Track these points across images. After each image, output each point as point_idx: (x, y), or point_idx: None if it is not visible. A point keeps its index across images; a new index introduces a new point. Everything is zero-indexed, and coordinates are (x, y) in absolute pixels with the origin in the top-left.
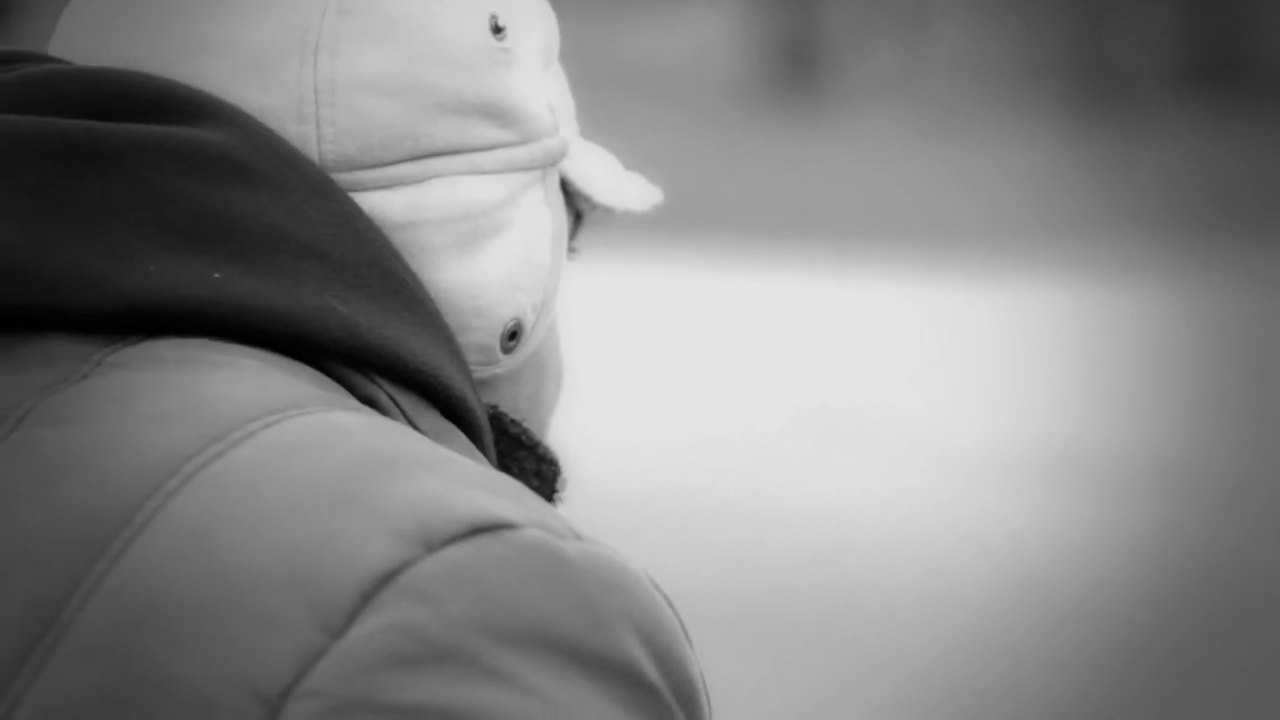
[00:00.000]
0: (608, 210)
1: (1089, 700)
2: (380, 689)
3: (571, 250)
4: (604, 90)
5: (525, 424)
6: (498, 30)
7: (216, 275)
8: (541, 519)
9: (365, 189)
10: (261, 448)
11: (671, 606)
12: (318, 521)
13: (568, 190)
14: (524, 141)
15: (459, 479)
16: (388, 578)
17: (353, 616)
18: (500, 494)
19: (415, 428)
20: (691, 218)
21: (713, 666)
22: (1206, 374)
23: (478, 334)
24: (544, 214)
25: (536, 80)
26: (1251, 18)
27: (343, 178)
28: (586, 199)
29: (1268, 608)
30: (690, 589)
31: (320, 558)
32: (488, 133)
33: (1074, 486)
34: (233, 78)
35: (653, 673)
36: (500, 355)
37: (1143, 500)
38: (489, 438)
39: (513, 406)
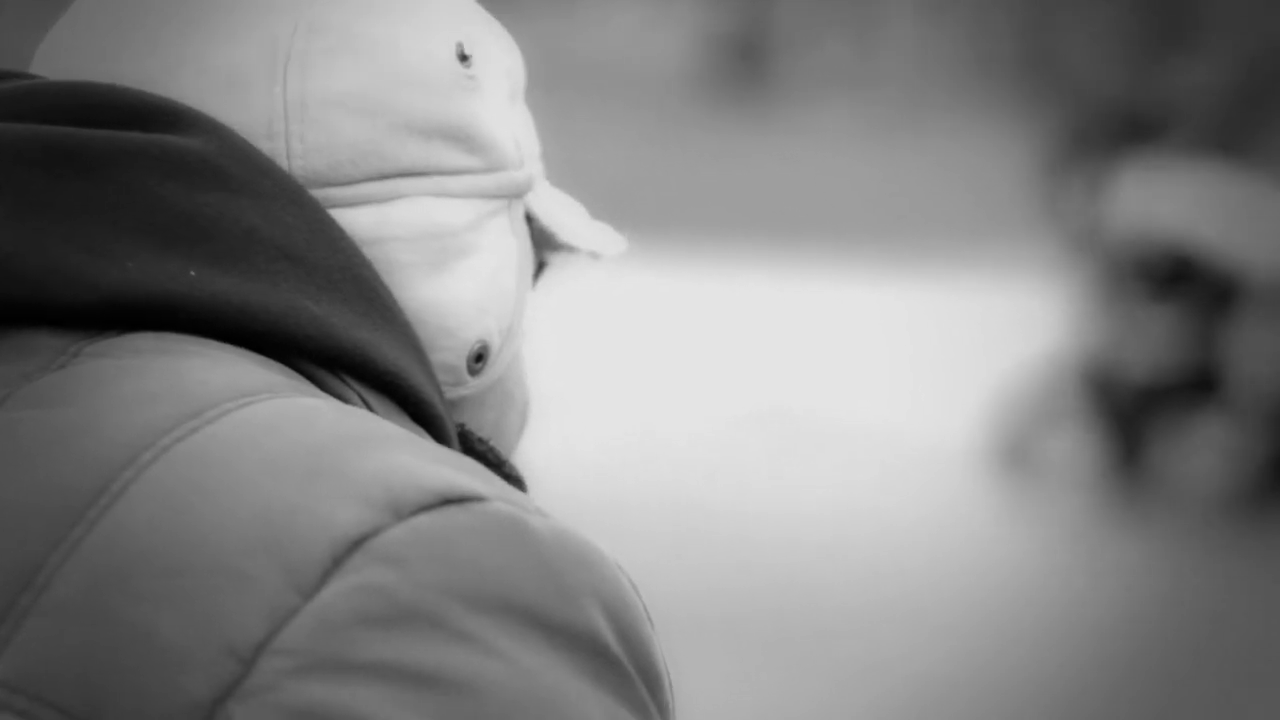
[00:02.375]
0: (571, 251)
1: (1063, 690)
2: (350, 646)
3: (537, 273)
4: (552, 87)
5: (491, 443)
6: (464, 58)
7: (193, 273)
8: (509, 495)
9: (334, 205)
10: (237, 424)
11: (635, 589)
12: (291, 490)
13: (532, 228)
14: (489, 170)
15: (429, 456)
16: (358, 542)
17: (324, 578)
18: (469, 472)
19: None
20: (641, 215)
21: (675, 664)
22: None
23: (445, 353)
24: (509, 243)
25: (502, 112)
26: (1201, 15)
27: (312, 193)
28: (550, 238)
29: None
30: (652, 587)
31: (293, 523)
32: (454, 157)
33: (1032, 483)
34: (206, 95)
35: (616, 647)
36: (467, 376)
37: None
38: (456, 445)
39: (477, 429)
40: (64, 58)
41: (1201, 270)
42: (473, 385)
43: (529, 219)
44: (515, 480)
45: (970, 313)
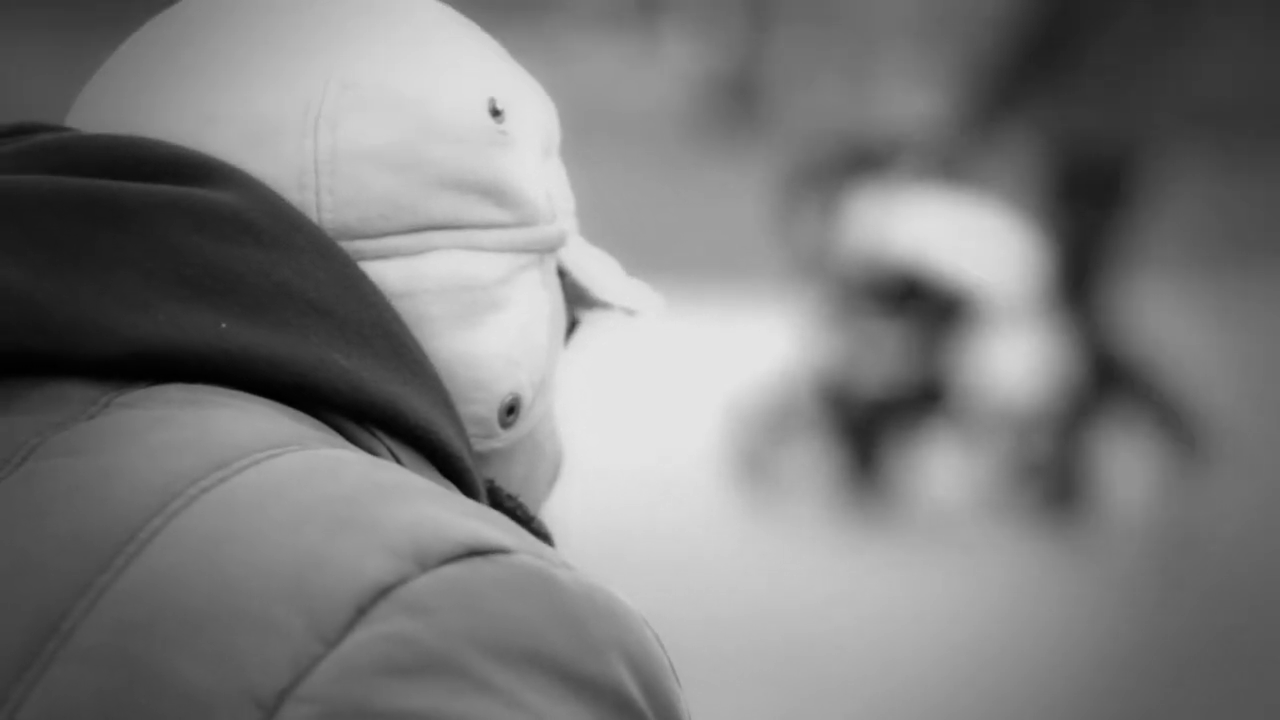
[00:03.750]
0: (605, 308)
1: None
2: (374, 695)
3: (568, 338)
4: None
5: (520, 498)
6: (496, 113)
7: (224, 325)
8: (535, 548)
9: (364, 258)
10: (265, 474)
11: (660, 644)
12: (317, 539)
13: (565, 283)
14: (521, 224)
15: (456, 508)
16: (383, 591)
17: (349, 627)
18: (496, 525)
19: None
20: (637, 254)
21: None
22: None
23: (476, 406)
24: (541, 297)
25: (535, 167)
26: (1189, 47)
27: (342, 246)
28: (583, 293)
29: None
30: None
31: (319, 572)
32: (486, 211)
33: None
34: (237, 148)
35: (641, 701)
36: (498, 429)
37: None
38: (485, 502)
39: (506, 484)
40: (97, 111)
41: (928, 289)
42: (504, 438)
43: (561, 274)
44: (543, 536)
45: None
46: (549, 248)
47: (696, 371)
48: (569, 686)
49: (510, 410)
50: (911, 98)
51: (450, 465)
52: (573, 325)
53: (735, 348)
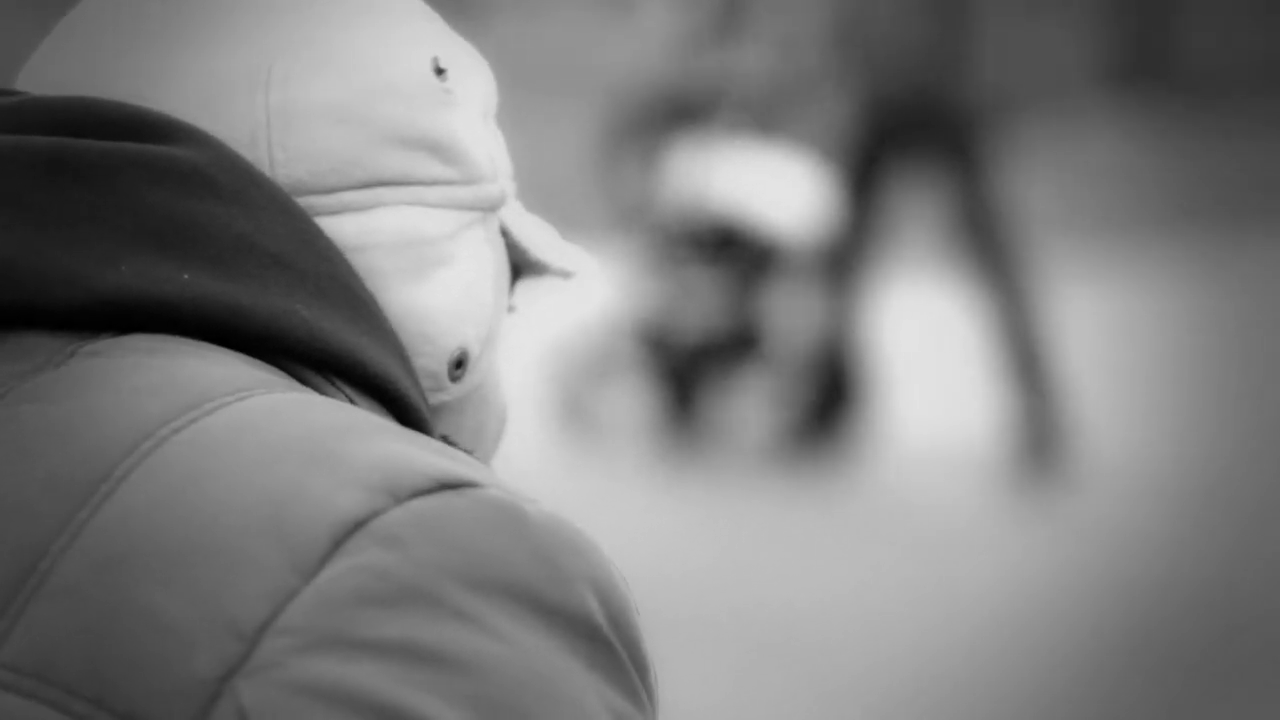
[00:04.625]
0: (543, 268)
1: (1065, 701)
2: (351, 625)
3: (510, 307)
4: (562, 99)
5: (474, 453)
6: (440, 72)
7: (187, 276)
8: (503, 484)
9: (317, 213)
10: (235, 414)
11: (623, 578)
12: (291, 475)
13: (506, 243)
14: (467, 182)
15: (426, 445)
16: (358, 524)
17: (324, 559)
18: (464, 462)
19: None
20: (603, 223)
21: (682, 676)
22: (1133, 369)
23: (426, 359)
24: (486, 254)
25: (477, 128)
26: (1175, 18)
27: (295, 200)
28: (523, 253)
29: (1260, 611)
30: (654, 593)
31: (293, 507)
32: (432, 168)
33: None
34: (190, 106)
35: (609, 631)
36: (448, 382)
37: (1105, 496)
38: None
39: (457, 437)
40: (52, 73)
41: (744, 239)
42: (453, 391)
43: (503, 233)
44: None
45: (948, 318)
46: (492, 205)
47: (521, 316)
48: (540, 615)
49: (458, 364)
50: (728, 53)
51: (409, 416)
52: (515, 274)
53: (558, 294)
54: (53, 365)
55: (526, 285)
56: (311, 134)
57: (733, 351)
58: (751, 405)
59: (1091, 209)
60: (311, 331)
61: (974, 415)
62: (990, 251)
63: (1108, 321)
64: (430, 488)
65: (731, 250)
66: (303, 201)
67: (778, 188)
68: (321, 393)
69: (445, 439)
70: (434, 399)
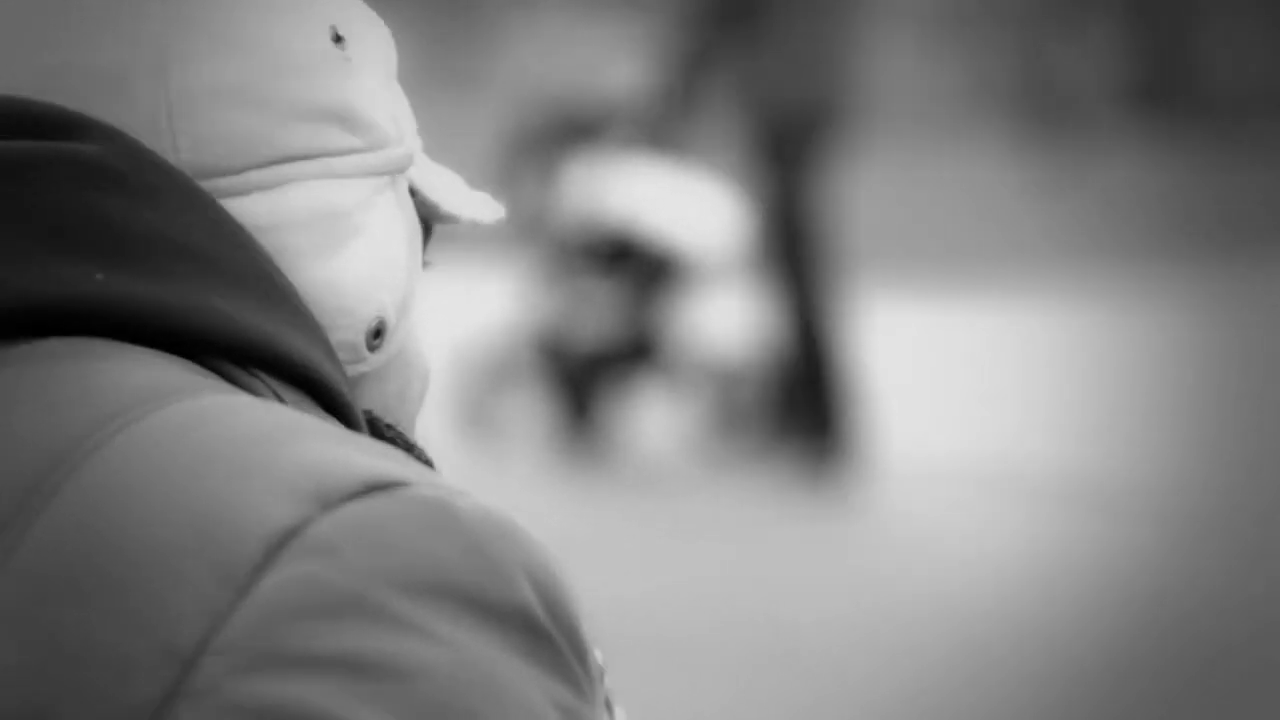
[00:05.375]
0: (454, 220)
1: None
2: (289, 640)
3: (425, 263)
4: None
5: (398, 426)
6: (338, 39)
7: (100, 275)
8: (431, 478)
9: (225, 195)
10: (157, 424)
11: (558, 562)
12: (217, 486)
13: (416, 200)
14: (373, 148)
15: (350, 444)
16: (289, 535)
17: (257, 573)
18: (390, 458)
19: None
20: None
21: (688, 686)
22: (1157, 392)
23: (344, 332)
24: (398, 218)
25: (379, 91)
26: (1193, 40)
27: (203, 185)
28: (434, 208)
29: (1245, 628)
30: (662, 605)
31: (223, 521)
32: (339, 138)
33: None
34: (86, 98)
35: (546, 620)
36: (366, 353)
37: (1106, 517)
38: (366, 433)
39: (382, 404)
40: None
41: (639, 250)
42: (373, 361)
43: (412, 193)
44: (425, 462)
45: (966, 336)
46: (400, 168)
47: (422, 325)
48: (477, 614)
49: (377, 334)
50: (619, 68)
51: (332, 401)
52: (426, 236)
53: (459, 303)
54: None
55: (439, 239)
56: (214, 117)
57: (628, 361)
58: (646, 414)
59: (1109, 230)
60: (230, 324)
61: (949, 432)
62: (801, 260)
63: (1120, 341)
64: (359, 490)
65: (626, 262)
66: (210, 185)
67: (672, 199)
68: (243, 386)
69: (368, 415)
70: (354, 370)
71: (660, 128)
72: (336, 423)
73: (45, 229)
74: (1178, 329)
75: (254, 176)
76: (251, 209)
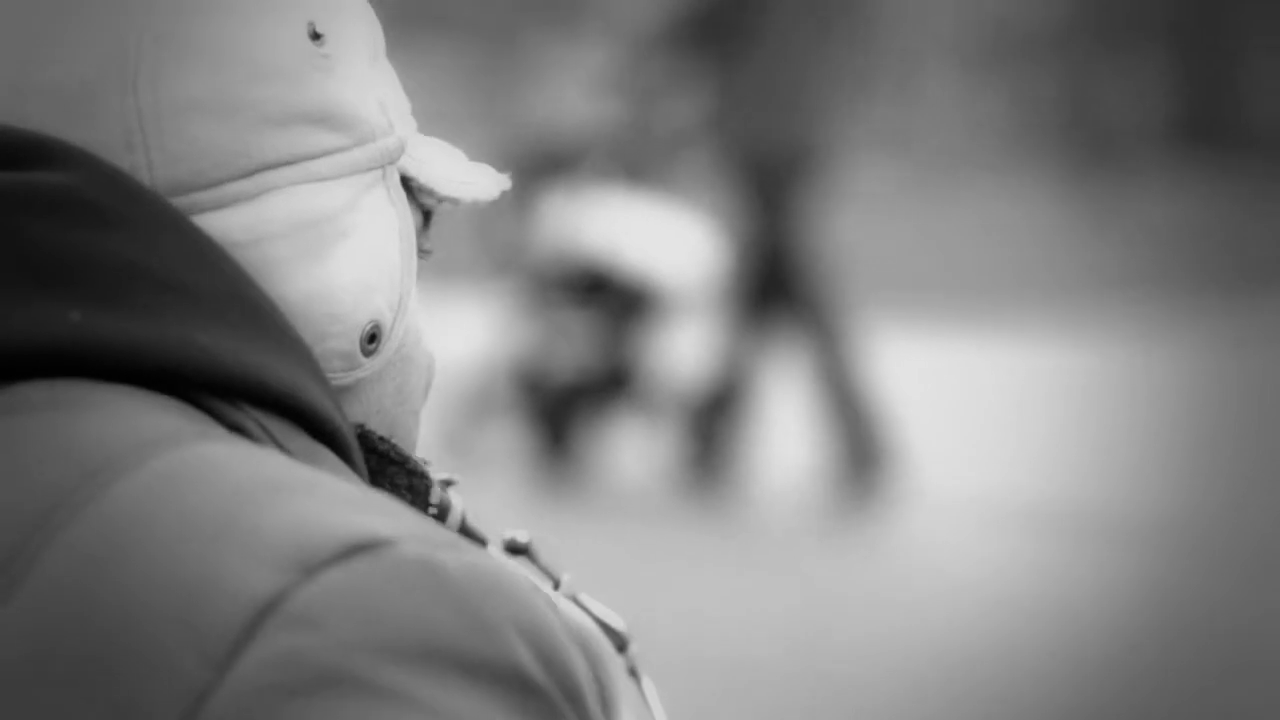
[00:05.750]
0: (455, 202)
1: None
2: (272, 719)
3: (424, 251)
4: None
5: (397, 427)
6: (316, 37)
7: (74, 315)
8: (418, 532)
9: (203, 210)
10: (137, 485)
11: (552, 606)
12: (197, 555)
13: (411, 187)
14: (359, 144)
15: (333, 499)
16: (269, 607)
17: (237, 649)
18: (375, 511)
19: (285, 451)
20: None
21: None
22: (1193, 428)
23: (336, 340)
24: (389, 212)
25: (364, 81)
26: (1238, 74)
27: (179, 201)
28: (431, 193)
29: (1258, 662)
30: (689, 636)
31: (202, 594)
32: (320, 139)
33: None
34: (54, 118)
35: (539, 674)
36: (362, 359)
37: (1134, 553)
38: (359, 455)
39: (379, 407)
40: None
41: (614, 283)
42: (371, 365)
43: (407, 180)
44: (420, 475)
45: (1009, 370)
46: (390, 160)
47: (422, 316)
48: (467, 675)
49: (372, 338)
50: (594, 103)
51: (320, 428)
52: (426, 222)
53: (437, 334)
54: None
55: (440, 217)
56: (187, 131)
57: (604, 392)
58: (622, 444)
59: (1153, 265)
60: (211, 359)
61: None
62: (806, 293)
63: (1167, 376)
64: (341, 553)
65: (602, 294)
66: (186, 200)
67: (647, 232)
68: (228, 421)
69: (360, 431)
70: (350, 378)
71: (636, 160)
72: (324, 451)
73: (12, 266)
74: (1225, 363)
75: (232, 189)
76: (230, 223)
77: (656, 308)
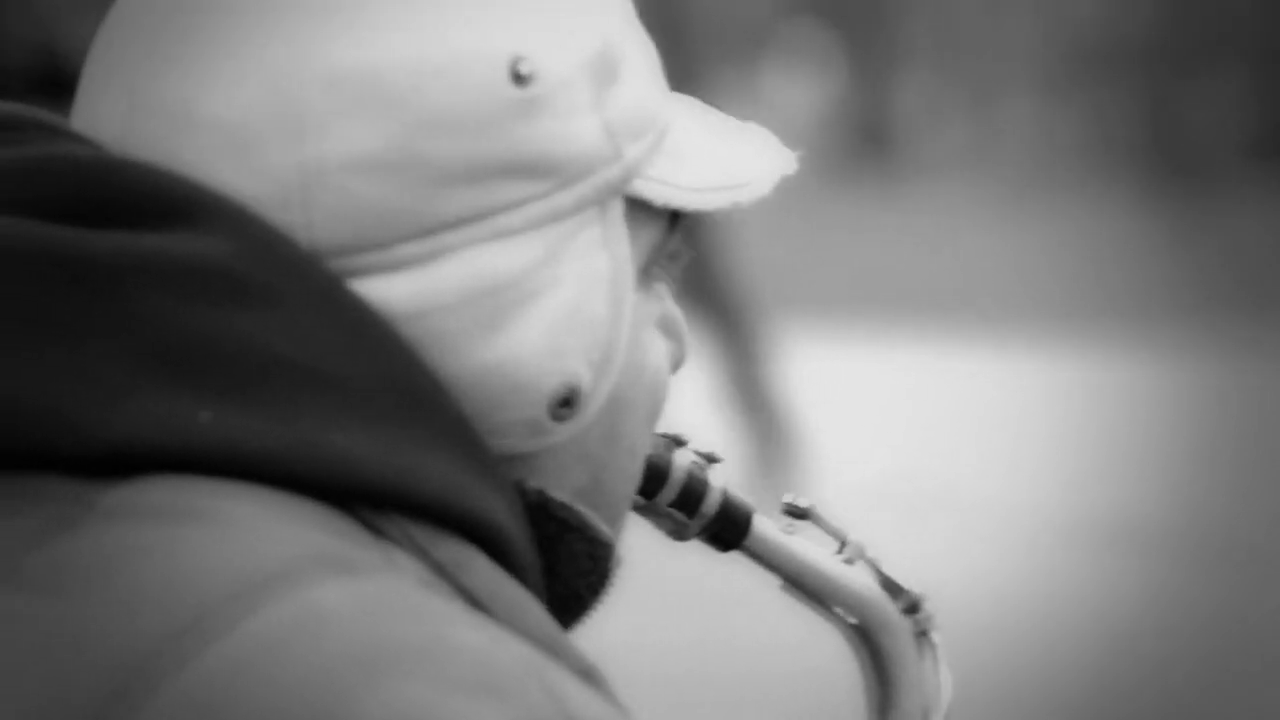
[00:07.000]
0: (707, 212)
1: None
2: None
3: (671, 258)
4: None
5: (598, 484)
6: (519, 78)
7: (203, 414)
8: (540, 695)
9: (365, 274)
10: (230, 653)
11: None
12: None
13: (649, 208)
14: (563, 186)
15: (440, 681)
16: None
17: None
18: (487, 693)
19: (429, 558)
20: (770, 292)
21: None
22: (1272, 449)
23: (518, 411)
24: (598, 259)
25: (584, 112)
26: None
27: (340, 263)
28: (674, 211)
29: (1260, 667)
30: (758, 659)
31: None
32: (512, 190)
33: (1128, 555)
34: (215, 158)
35: None
36: (550, 424)
37: (1186, 567)
38: (520, 545)
39: (581, 454)
40: (84, 99)
41: None
42: (563, 431)
43: (644, 202)
44: (601, 543)
45: (1090, 388)
46: (610, 193)
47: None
48: None
49: (565, 403)
50: None
51: (479, 533)
52: (674, 219)
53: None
54: (64, 526)
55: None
56: (352, 189)
57: None
58: None
59: (1235, 283)
60: (348, 467)
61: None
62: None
63: (1246, 394)
64: None
65: None
66: (348, 263)
67: None
68: (376, 529)
69: (541, 497)
70: (536, 444)
71: None
72: (475, 554)
73: (143, 351)
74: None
75: (399, 251)
76: (396, 290)
77: None
